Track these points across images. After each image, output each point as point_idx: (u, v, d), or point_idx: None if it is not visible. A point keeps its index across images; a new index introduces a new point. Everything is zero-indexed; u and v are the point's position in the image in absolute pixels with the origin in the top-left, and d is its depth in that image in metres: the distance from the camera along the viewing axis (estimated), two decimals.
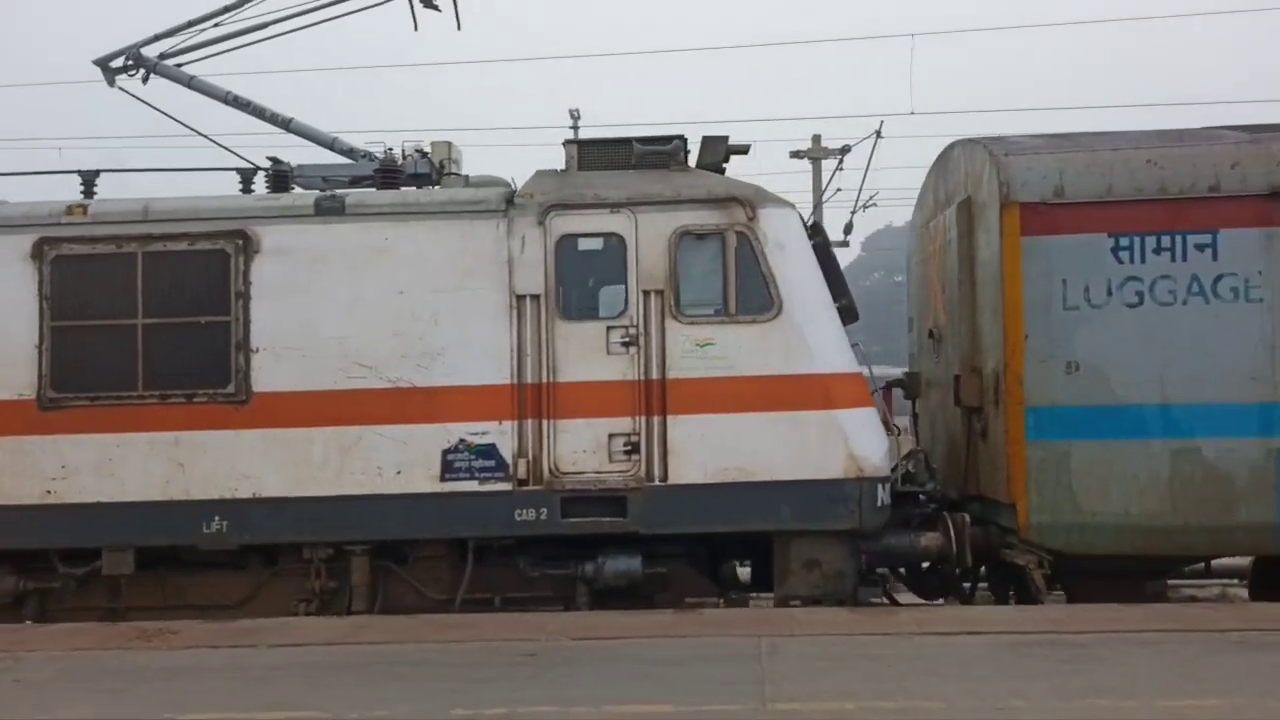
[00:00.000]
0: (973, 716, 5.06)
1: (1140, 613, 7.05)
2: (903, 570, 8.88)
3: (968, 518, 8.11)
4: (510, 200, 8.00)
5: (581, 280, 8.07)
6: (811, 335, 7.87)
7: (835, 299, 8.26)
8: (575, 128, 28.99)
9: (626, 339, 7.86)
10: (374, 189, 8.64)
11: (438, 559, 8.09)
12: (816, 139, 23.41)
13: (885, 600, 8.03)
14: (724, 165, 9.45)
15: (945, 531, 8.08)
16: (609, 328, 7.89)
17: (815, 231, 9.19)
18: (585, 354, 7.88)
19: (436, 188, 8.62)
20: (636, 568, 7.81)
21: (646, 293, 7.90)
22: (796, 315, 7.85)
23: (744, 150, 9.83)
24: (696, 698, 5.42)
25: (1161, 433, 7.46)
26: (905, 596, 9.11)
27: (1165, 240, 7.51)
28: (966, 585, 8.84)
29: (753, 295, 7.90)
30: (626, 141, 8.77)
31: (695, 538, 8.07)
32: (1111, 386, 7.52)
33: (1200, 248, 7.48)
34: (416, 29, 11.57)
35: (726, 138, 9.66)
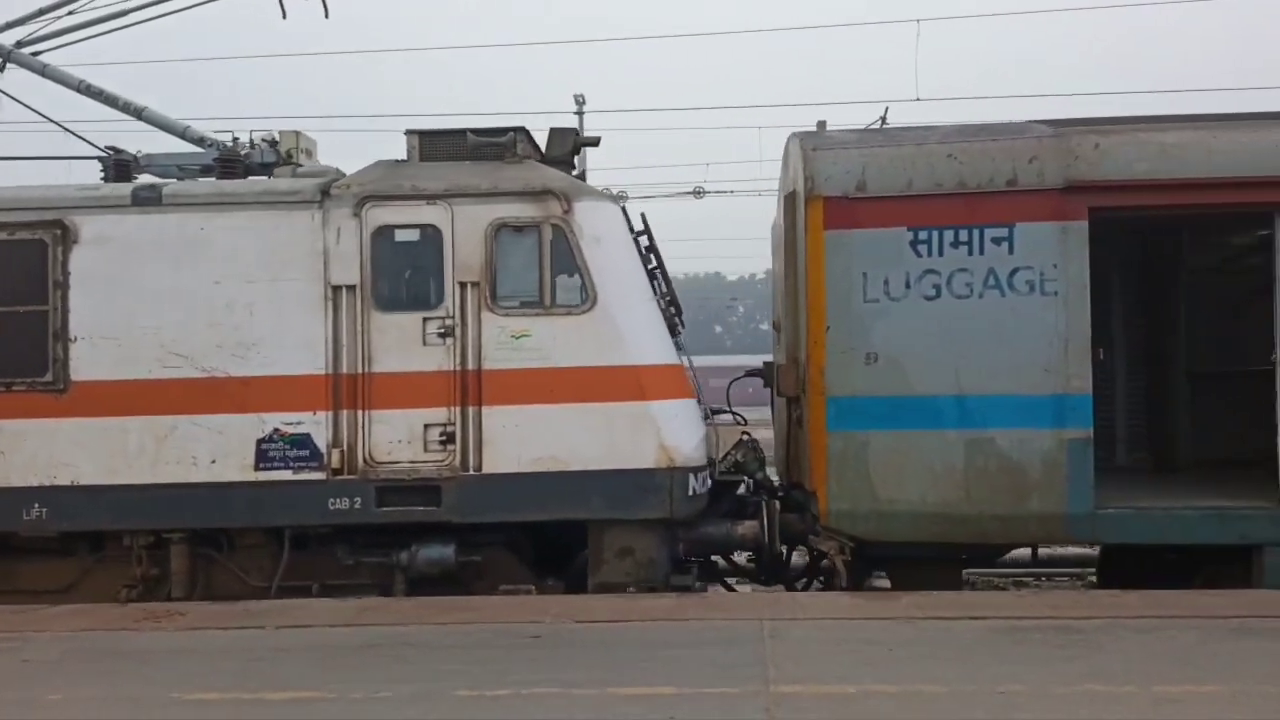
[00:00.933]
0: (972, 700, 5.15)
1: (1140, 599, 7.10)
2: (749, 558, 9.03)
3: (779, 505, 8.25)
4: (326, 191, 8.02)
5: (398, 271, 8.12)
6: (626, 327, 7.94)
7: (657, 291, 8.36)
8: (580, 114, 28.86)
9: (442, 330, 7.92)
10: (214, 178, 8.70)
11: (259, 547, 8.17)
12: (822, 124, 23.26)
13: (697, 587, 8.12)
14: (573, 157, 9.53)
15: (762, 520, 8.23)
16: (425, 319, 7.95)
17: (645, 227, 9.28)
18: (401, 345, 7.94)
19: (265, 178, 8.63)
20: (450, 556, 7.91)
21: (463, 284, 7.96)
22: (611, 308, 7.92)
23: (594, 142, 9.91)
24: (699, 680, 5.52)
25: (957, 423, 7.57)
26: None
27: (963, 234, 7.59)
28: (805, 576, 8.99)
29: (568, 288, 7.98)
30: (462, 132, 8.81)
31: (520, 526, 8.18)
32: (909, 378, 7.62)
33: (997, 241, 7.57)
34: (285, 17, 11.57)
35: (575, 130, 9.75)
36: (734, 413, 10.29)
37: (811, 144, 7.97)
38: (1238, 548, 7.53)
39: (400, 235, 8.04)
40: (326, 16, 11.83)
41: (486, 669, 5.82)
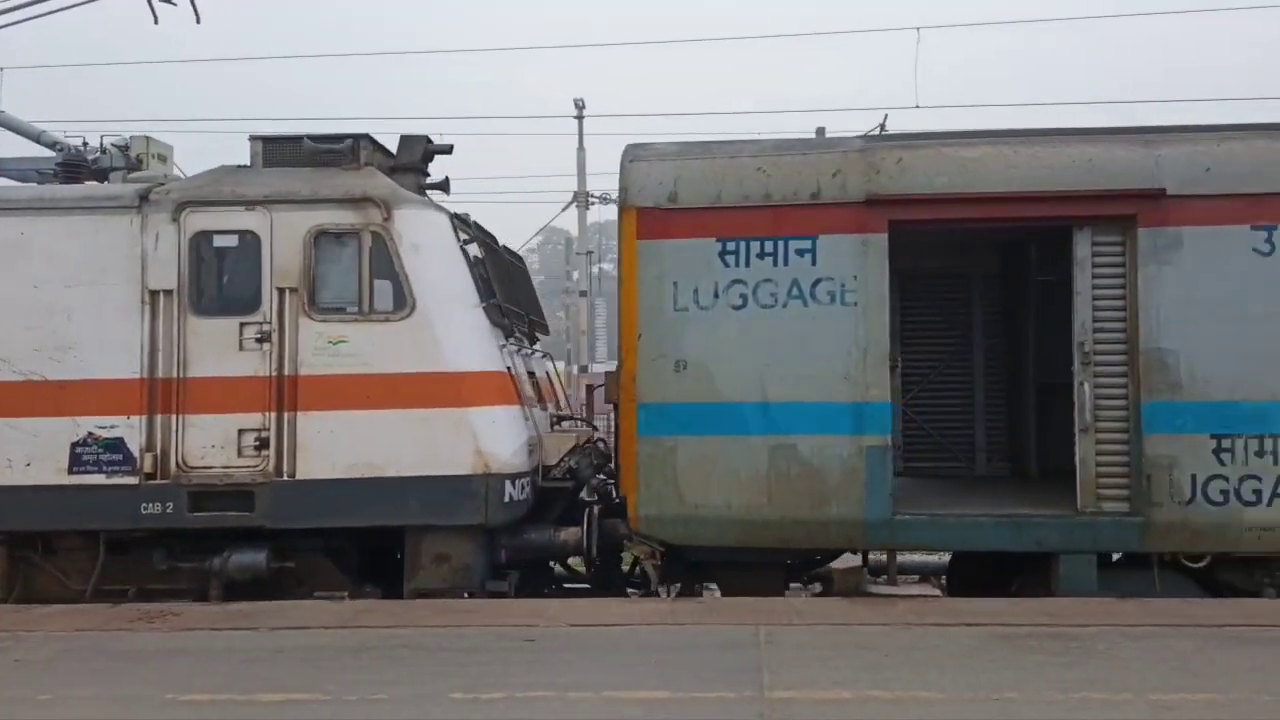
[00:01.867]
0: (968, 707, 5.16)
1: (1136, 607, 7.12)
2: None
3: (597, 510, 8.33)
4: (145, 197, 8.07)
5: (216, 277, 8.16)
6: (445, 335, 8.01)
7: (486, 299, 8.43)
8: (580, 118, 28.91)
9: (260, 335, 7.97)
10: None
11: (78, 550, 8.18)
12: (820, 131, 23.27)
13: (510, 593, 8.17)
14: (424, 165, 9.62)
15: (584, 525, 8.30)
16: (242, 324, 8.00)
17: (481, 234, 9.38)
18: (218, 350, 7.98)
19: (91, 183, 8.68)
20: (261, 562, 7.94)
21: (281, 290, 8.01)
22: (430, 314, 7.98)
23: (447, 150, 9.98)
24: (694, 685, 5.52)
25: (761, 430, 7.67)
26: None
27: (769, 245, 7.71)
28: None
29: (387, 294, 8.05)
30: (300, 139, 8.89)
31: (344, 532, 8.21)
32: (716, 385, 7.72)
33: (801, 253, 7.69)
34: (157, 22, 11.62)
35: (425, 137, 9.81)
36: (584, 419, 10.40)
37: (630, 156, 8.08)
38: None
39: (219, 241, 8.09)
40: (198, 22, 11.92)
41: (481, 672, 5.83)
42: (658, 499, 7.77)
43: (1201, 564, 7.60)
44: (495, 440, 8.00)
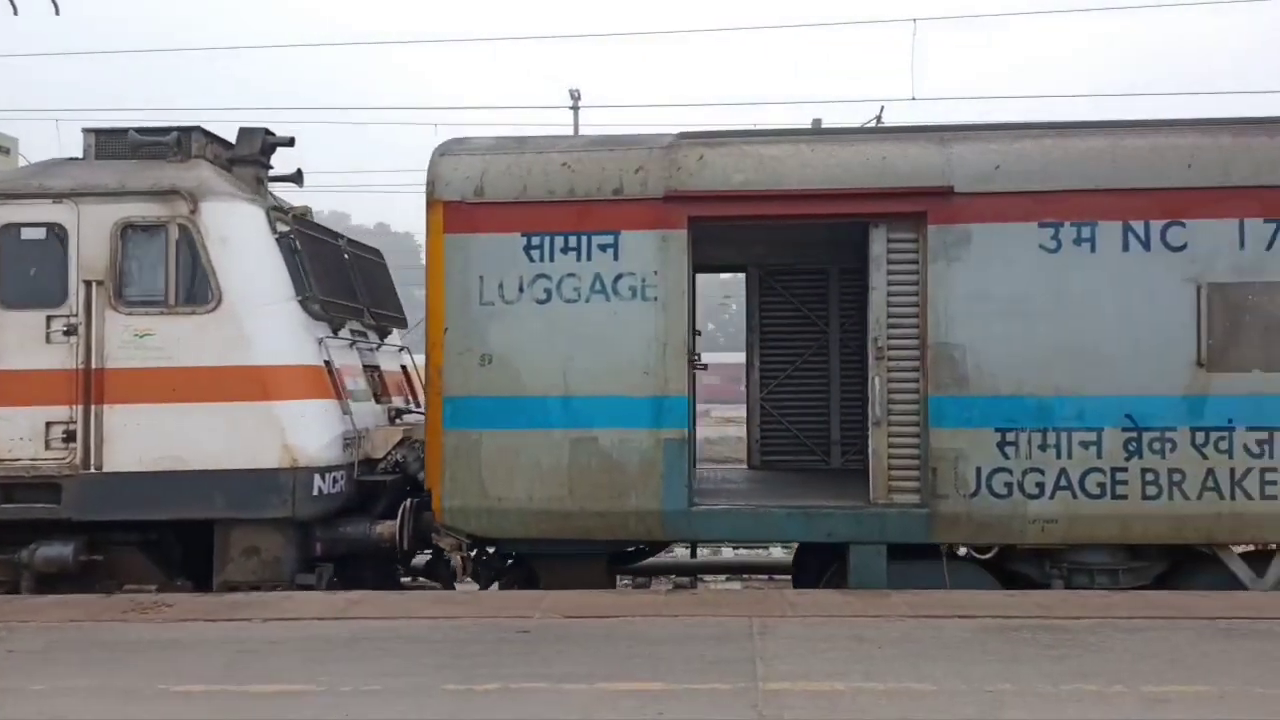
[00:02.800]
0: (962, 699, 5.16)
1: (1129, 600, 7.15)
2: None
3: (409, 504, 8.38)
4: None
5: (24, 269, 8.12)
6: (252, 328, 8.02)
7: (304, 293, 8.44)
8: (575, 108, 28.68)
9: (67, 328, 7.96)
10: None
11: None
12: (817, 123, 23.30)
13: (321, 586, 8.21)
14: (263, 157, 9.61)
15: (400, 518, 8.36)
16: (49, 317, 7.99)
17: (316, 227, 9.38)
18: (25, 342, 7.97)
19: None
20: (68, 555, 7.95)
21: (88, 283, 8.00)
22: (237, 308, 8.00)
23: (288, 142, 9.97)
24: (688, 676, 5.52)
25: (563, 423, 7.74)
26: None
27: (573, 240, 7.78)
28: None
29: (193, 287, 8.05)
30: (126, 131, 8.88)
31: (161, 525, 8.22)
32: (521, 379, 7.79)
33: (604, 248, 7.76)
34: (16, 14, 11.53)
35: (264, 129, 9.79)
36: (420, 411, 10.39)
37: (442, 150, 8.11)
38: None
39: (26, 234, 8.07)
40: (57, 13, 11.83)
41: (476, 663, 5.81)
42: (462, 491, 7.83)
43: (989, 555, 7.75)
44: (303, 434, 8.03)
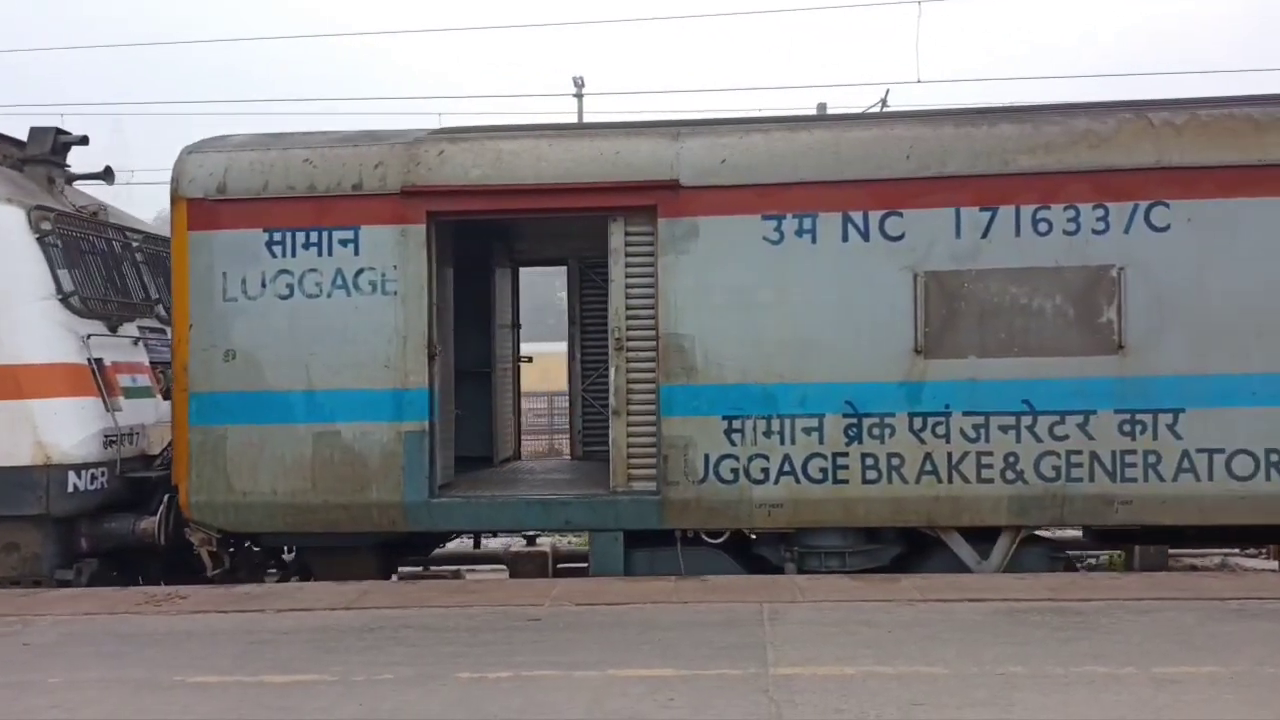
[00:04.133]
0: (973, 681, 5.15)
1: (1139, 581, 7.16)
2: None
3: (167, 499, 8.50)
4: None
5: None
6: (5, 326, 8.13)
7: (71, 291, 8.53)
8: (579, 95, 28.65)
9: None
10: None
11: None
12: (822, 107, 23.13)
13: (82, 582, 8.33)
14: (56, 156, 9.71)
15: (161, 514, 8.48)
16: None
17: (106, 227, 9.49)
18: None
19: None
20: None
21: None
22: None
23: (83, 141, 10.06)
24: (699, 662, 5.53)
25: (306, 417, 7.87)
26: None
27: (314, 235, 7.90)
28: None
29: None
30: None
31: None
32: (265, 374, 7.91)
33: (344, 243, 7.88)
34: None
35: (56, 129, 9.89)
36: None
37: (189, 148, 8.22)
38: None
39: None
40: None
41: (488, 651, 5.85)
42: (208, 486, 7.95)
43: (720, 540, 7.94)
44: (58, 432, 8.14)
